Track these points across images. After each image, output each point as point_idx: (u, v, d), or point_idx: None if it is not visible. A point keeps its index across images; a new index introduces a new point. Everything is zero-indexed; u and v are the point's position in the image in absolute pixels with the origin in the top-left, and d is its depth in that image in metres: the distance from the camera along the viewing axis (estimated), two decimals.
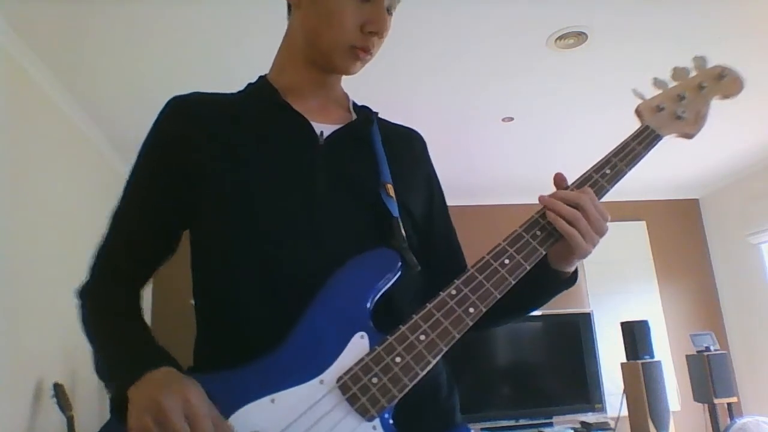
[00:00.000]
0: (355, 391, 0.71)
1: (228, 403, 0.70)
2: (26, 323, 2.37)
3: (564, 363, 4.30)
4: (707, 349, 3.87)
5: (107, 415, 0.76)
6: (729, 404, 3.79)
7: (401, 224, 0.86)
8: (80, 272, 0.92)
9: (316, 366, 0.73)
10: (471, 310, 0.77)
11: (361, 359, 0.73)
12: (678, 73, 1.01)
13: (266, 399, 0.71)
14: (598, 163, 0.89)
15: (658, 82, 1.00)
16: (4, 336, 2.24)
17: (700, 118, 0.97)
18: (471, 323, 0.76)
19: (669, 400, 3.76)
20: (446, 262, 0.98)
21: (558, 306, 4.18)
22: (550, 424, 4.07)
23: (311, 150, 0.88)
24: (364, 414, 0.71)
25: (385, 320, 0.77)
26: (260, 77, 0.99)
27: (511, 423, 4.04)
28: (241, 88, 0.99)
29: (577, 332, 4.33)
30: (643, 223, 4.91)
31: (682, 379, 4.24)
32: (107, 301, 0.87)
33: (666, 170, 4.45)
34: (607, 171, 0.88)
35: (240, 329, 0.80)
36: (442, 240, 1.01)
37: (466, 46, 2.64)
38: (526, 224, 0.84)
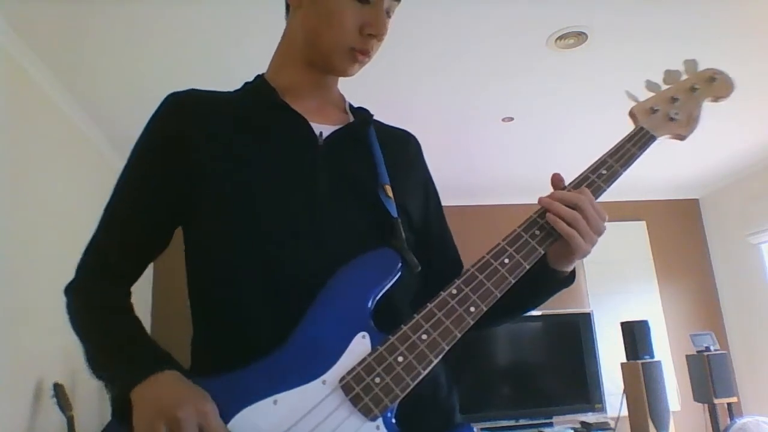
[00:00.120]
0: (358, 391, 0.71)
1: (230, 404, 0.69)
2: (26, 323, 2.37)
3: (564, 363, 4.30)
4: (707, 349, 3.87)
5: (107, 415, 0.76)
6: (729, 404, 3.79)
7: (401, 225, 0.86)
8: None
9: (319, 366, 0.73)
10: (472, 309, 0.77)
11: (364, 359, 0.73)
12: (670, 75, 1.03)
13: (269, 400, 0.71)
14: (594, 163, 0.91)
15: (650, 85, 1.02)
16: (4, 336, 2.24)
17: (692, 120, 0.99)
18: (472, 322, 0.77)
19: (669, 400, 3.76)
20: (443, 263, 0.99)
21: (558, 306, 4.18)
22: (550, 424, 4.07)
23: (312, 150, 0.88)
24: (368, 414, 0.71)
25: (384, 320, 0.77)
26: (257, 76, 0.99)
27: (511, 423, 4.04)
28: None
29: (577, 332, 4.33)
30: (643, 223, 4.91)
31: (682, 379, 4.25)
32: (100, 298, 0.86)
33: (666, 170, 4.45)
34: (603, 171, 0.89)
35: (242, 329, 0.79)
36: (438, 241, 1.02)
37: (466, 46, 2.65)
38: (525, 224, 0.84)
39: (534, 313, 4.27)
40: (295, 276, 0.79)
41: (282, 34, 0.98)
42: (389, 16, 0.92)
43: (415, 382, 0.73)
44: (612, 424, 3.99)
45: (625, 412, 3.84)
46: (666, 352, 4.47)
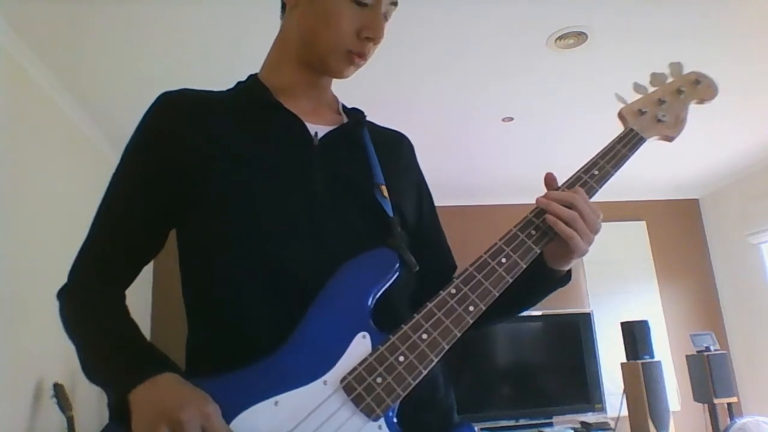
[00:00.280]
0: (360, 391, 0.71)
1: (230, 406, 0.69)
2: (26, 323, 2.37)
3: (564, 363, 4.30)
4: (707, 349, 3.87)
5: (107, 416, 0.75)
6: (729, 404, 3.79)
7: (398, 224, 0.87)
8: None
9: (319, 367, 0.73)
10: (471, 308, 0.78)
11: (365, 359, 0.73)
12: (656, 78, 1.05)
13: (270, 401, 0.70)
14: (586, 164, 0.92)
15: (637, 87, 1.04)
16: (4, 336, 2.24)
17: (679, 121, 1.02)
18: (471, 321, 0.77)
19: (669, 400, 3.76)
20: (436, 264, 0.99)
21: (558, 306, 4.19)
22: (550, 424, 4.07)
23: (307, 150, 0.89)
24: (370, 414, 0.71)
25: (383, 320, 0.77)
26: (250, 76, 0.98)
27: (511, 423, 4.04)
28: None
29: (577, 332, 4.33)
30: (643, 223, 4.91)
31: (682, 379, 4.25)
32: (95, 300, 0.84)
33: (666, 170, 4.45)
34: (595, 172, 0.91)
35: (241, 329, 0.79)
36: (432, 241, 1.02)
37: (466, 46, 2.65)
38: (521, 224, 0.85)
39: (534, 313, 4.31)
40: (295, 276, 0.79)
41: (277, 33, 0.98)
42: (386, 20, 0.92)
43: (416, 382, 0.73)
44: (612, 424, 3.99)
45: (625, 412, 3.84)
46: (666, 352, 4.47)
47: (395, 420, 0.72)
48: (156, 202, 0.87)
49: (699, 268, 4.93)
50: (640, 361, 3.78)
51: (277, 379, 0.72)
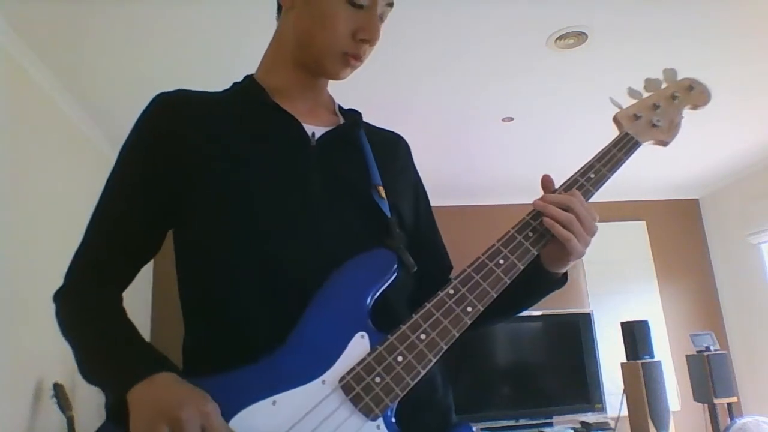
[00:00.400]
0: (358, 391, 0.71)
1: (228, 406, 0.69)
2: (26, 323, 2.37)
3: (564, 363, 4.30)
4: (707, 349, 3.87)
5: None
6: (729, 404, 3.79)
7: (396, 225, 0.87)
8: None
9: (318, 366, 0.73)
10: (469, 309, 0.78)
11: (363, 359, 0.73)
12: (650, 84, 1.06)
13: (267, 401, 0.70)
14: (582, 167, 0.93)
15: (632, 92, 1.06)
16: (4, 336, 2.24)
17: (673, 126, 1.03)
18: (470, 322, 0.78)
19: (669, 400, 3.76)
20: (433, 264, 1.00)
21: (558, 306, 4.19)
22: (550, 424, 4.07)
23: (305, 151, 0.89)
24: (368, 413, 0.71)
25: (381, 320, 0.78)
26: (247, 76, 0.98)
27: (511, 423, 4.04)
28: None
29: (577, 332, 4.33)
30: (643, 223, 4.91)
31: (682, 379, 4.24)
32: (93, 300, 0.84)
33: (666, 170, 4.45)
34: (592, 175, 0.92)
35: (240, 329, 0.79)
36: (428, 242, 1.03)
37: (466, 46, 2.65)
38: (518, 226, 0.86)
39: (534, 313, 4.31)
40: (293, 276, 0.79)
41: (273, 34, 0.98)
42: (382, 21, 0.92)
43: (415, 382, 0.73)
44: (612, 424, 3.99)
45: (625, 412, 3.84)
46: (666, 352, 4.47)
47: (393, 420, 0.72)
48: (156, 201, 0.87)
49: (699, 268, 4.93)
50: (640, 361, 3.78)
51: (275, 378, 0.72)
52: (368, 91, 2.82)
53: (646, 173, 4.38)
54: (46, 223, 2.62)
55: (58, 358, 2.52)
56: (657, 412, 3.65)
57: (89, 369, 0.79)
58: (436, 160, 3.88)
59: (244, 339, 0.78)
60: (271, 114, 0.90)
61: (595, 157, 0.94)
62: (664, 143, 1.02)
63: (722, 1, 2.39)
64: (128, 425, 0.68)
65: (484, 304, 0.79)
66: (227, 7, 2.27)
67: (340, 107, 1.02)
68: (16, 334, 2.32)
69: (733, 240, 4.70)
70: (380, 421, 0.71)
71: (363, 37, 0.88)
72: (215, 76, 2.63)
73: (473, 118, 3.42)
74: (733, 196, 4.72)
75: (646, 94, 1.05)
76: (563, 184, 0.91)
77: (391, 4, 0.92)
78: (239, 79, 1.00)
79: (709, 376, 3.74)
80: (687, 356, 4.01)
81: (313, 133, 0.91)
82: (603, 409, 4.15)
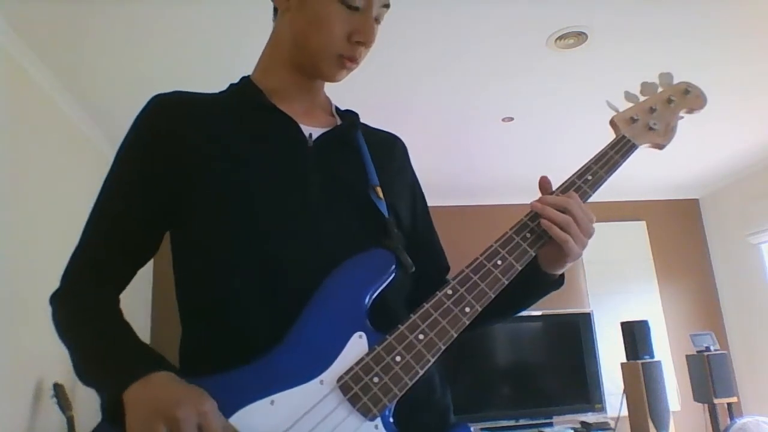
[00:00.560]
0: (356, 391, 0.71)
1: (226, 405, 0.68)
2: (26, 323, 2.37)
3: (564, 363, 4.30)
4: (707, 349, 3.87)
5: None
6: (729, 404, 3.79)
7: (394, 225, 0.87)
8: None
9: (316, 366, 0.73)
10: (467, 309, 0.78)
11: (362, 359, 0.73)
12: (646, 87, 1.07)
13: (265, 401, 0.70)
14: (579, 169, 0.94)
15: (629, 96, 1.07)
16: (4, 336, 2.24)
17: (670, 130, 1.04)
18: (468, 322, 0.78)
19: (669, 400, 3.76)
20: (431, 265, 1.00)
21: (558, 306, 4.19)
22: (550, 424, 4.07)
23: (302, 152, 0.89)
24: (367, 413, 0.71)
25: (379, 320, 0.78)
26: (243, 78, 0.98)
27: (511, 423, 4.04)
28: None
29: (577, 332, 4.33)
30: (643, 223, 4.91)
31: (682, 379, 4.24)
32: (90, 300, 0.83)
33: (666, 170, 4.45)
34: (589, 177, 0.92)
35: (239, 329, 0.79)
36: (426, 243, 1.03)
37: (466, 46, 2.65)
38: (516, 227, 0.86)
39: (534, 313, 4.31)
40: (293, 276, 0.80)
41: (269, 36, 0.98)
42: (378, 23, 0.92)
43: (413, 382, 0.73)
44: (612, 424, 3.99)
45: (625, 412, 3.84)
46: (666, 352, 4.47)
47: (392, 420, 0.72)
48: (155, 201, 0.86)
49: (699, 268, 4.93)
50: (640, 361, 3.78)
51: (273, 378, 0.72)
52: (368, 91, 2.82)
53: (646, 173, 4.38)
54: (46, 223, 2.62)
55: (58, 358, 2.52)
56: (657, 412, 3.65)
57: (85, 369, 0.79)
58: (436, 160, 3.88)
59: (244, 339, 0.78)
60: (269, 115, 0.91)
61: (592, 159, 0.95)
62: (660, 146, 1.03)
63: (722, 1, 2.39)
64: (124, 425, 0.67)
65: (483, 305, 0.79)
66: (227, 7, 2.27)
67: (337, 108, 1.02)
68: (16, 334, 2.32)
69: (733, 240, 4.70)
70: (378, 421, 0.71)
71: (358, 40, 0.88)
72: (215, 76, 2.63)
73: (473, 118, 3.42)
74: (733, 196, 4.72)
75: (642, 98, 1.06)
76: (560, 186, 0.91)
77: (387, 6, 0.92)
78: (239, 79, 1.00)
79: (709, 376, 3.74)
80: (687, 356, 4.01)
81: (311, 134, 0.91)
82: (603, 409, 4.15)
